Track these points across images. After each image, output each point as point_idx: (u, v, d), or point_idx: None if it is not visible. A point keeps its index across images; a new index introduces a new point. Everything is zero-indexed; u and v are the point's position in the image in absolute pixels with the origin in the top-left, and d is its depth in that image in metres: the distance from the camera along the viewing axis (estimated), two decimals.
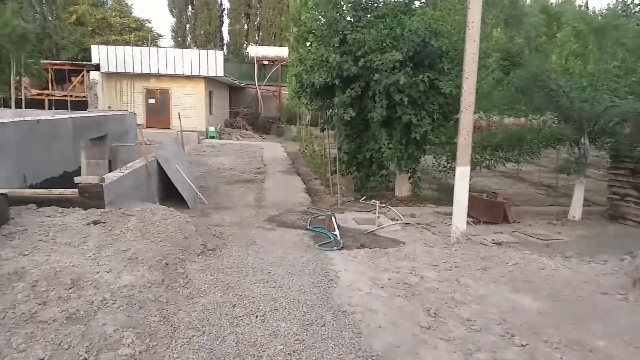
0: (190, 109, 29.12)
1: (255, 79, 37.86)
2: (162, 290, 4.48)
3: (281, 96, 38.35)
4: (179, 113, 15.62)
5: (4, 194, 5.79)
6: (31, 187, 8.40)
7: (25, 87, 26.07)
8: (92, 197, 6.66)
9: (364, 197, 11.94)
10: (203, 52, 29.01)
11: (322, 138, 18.12)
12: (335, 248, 7.34)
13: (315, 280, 5.37)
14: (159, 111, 29.00)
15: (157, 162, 10.08)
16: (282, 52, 38.46)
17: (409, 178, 12.11)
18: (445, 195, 12.61)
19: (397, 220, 9.76)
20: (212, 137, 29.47)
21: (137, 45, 31.43)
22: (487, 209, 9.97)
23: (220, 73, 28.45)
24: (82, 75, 28.81)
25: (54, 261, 4.66)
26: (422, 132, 10.51)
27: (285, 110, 37.92)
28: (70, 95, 28.68)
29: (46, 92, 28.42)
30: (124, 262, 4.91)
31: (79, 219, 6.23)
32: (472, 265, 6.17)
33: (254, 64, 38.05)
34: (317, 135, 27.31)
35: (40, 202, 6.56)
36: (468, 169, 7.72)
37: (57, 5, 37.36)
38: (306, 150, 20.10)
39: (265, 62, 38.79)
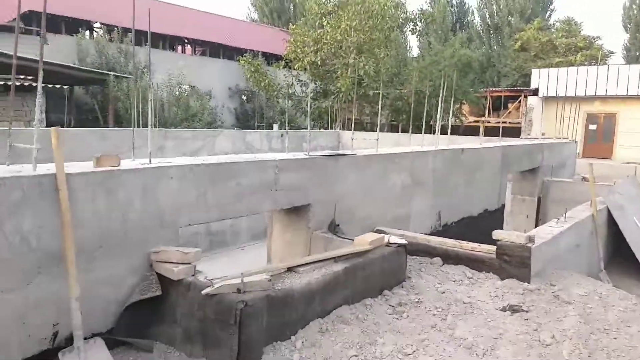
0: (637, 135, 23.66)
1: None
2: None
3: None
4: None
5: (404, 246, 4.51)
6: (445, 227, 7.19)
7: (464, 114, 27.07)
8: (513, 263, 4.65)
9: None
10: None
11: None
12: None
13: None
14: (600, 138, 24.83)
15: (607, 210, 7.16)
16: None
17: None
18: None
19: None
20: None
21: (582, 65, 27.88)
22: None
23: None
24: (519, 101, 27.80)
25: None
26: None
27: None
28: (504, 122, 28.15)
29: (482, 119, 28.85)
30: None
31: (491, 295, 4.32)
32: None
33: None
34: None
35: (447, 257, 5.06)
36: None
37: (503, 34, 38.01)
38: None
39: None
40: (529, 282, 4.57)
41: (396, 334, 3.56)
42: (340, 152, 5.26)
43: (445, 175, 7.03)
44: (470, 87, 23.65)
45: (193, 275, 3.48)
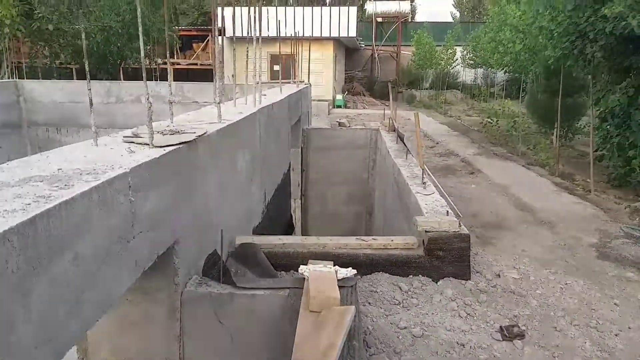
0: (317, 75, 26.36)
1: (373, 38, 34.21)
2: None
3: (400, 57, 34.61)
4: None
5: (355, 279, 2.85)
6: (267, 206, 5.60)
7: (157, 56, 24.39)
8: (448, 259, 3.59)
9: None
10: (334, 9, 25.83)
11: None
12: None
13: None
14: (284, 78, 26.54)
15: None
16: (404, 6, 34.82)
17: None
18: None
19: None
20: (339, 107, 26.33)
21: (264, 5, 28.67)
22: None
23: (353, 33, 25.23)
24: (206, 42, 26.77)
25: None
26: None
27: (406, 73, 34.43)
28: (195, 64, 26.91)
29: (172, 60, 26.68)
30: None
31: (461, 316, 3.18)
32: None
33: (371, 22, 34.70)
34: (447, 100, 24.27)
35: (358, 265, 3.62)
36: None
37: None
38: (490, 121, 15.75)
39: (382, 19, 35.23)
40: (469, 279, 3.64)
41: None
42: (189, 130, 2.94)
43: (265, 142, 5.33)
44: (163, 25, 21.09)
45: None
